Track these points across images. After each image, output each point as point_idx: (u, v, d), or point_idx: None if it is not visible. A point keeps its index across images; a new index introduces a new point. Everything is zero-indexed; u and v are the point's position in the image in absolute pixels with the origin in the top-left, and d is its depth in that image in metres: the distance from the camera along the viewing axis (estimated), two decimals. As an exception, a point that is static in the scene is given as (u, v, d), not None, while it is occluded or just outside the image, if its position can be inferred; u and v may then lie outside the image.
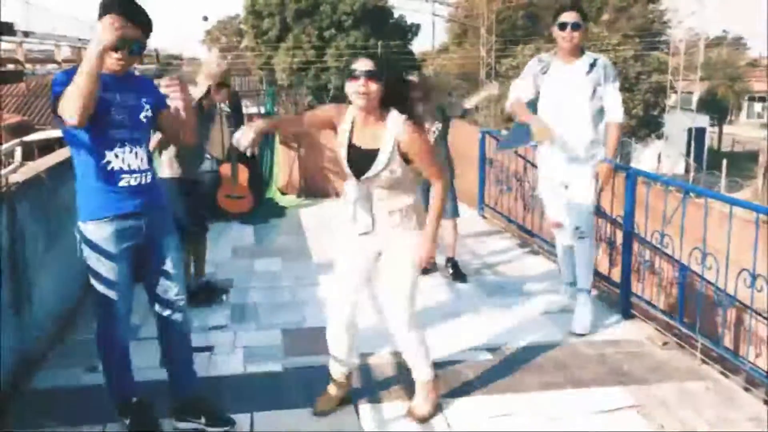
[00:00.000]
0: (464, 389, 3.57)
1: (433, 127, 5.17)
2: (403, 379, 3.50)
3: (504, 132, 7.59)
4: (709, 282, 4.02)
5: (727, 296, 3.92)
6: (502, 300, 4.92)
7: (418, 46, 42.19)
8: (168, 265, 3.05)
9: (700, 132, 32.31)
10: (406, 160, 2.96)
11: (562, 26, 4.10)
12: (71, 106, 2.58)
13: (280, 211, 7.92)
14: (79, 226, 2.89)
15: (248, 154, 2.92)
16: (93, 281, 2.92)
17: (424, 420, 3.24)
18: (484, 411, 3.36)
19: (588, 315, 4.29)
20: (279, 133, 3.19)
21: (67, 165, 3.24)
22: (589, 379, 3.70)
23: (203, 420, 3.13)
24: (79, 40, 9.30)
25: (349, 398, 3.41)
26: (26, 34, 7.88)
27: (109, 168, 2.83)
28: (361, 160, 2.98)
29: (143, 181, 2.93)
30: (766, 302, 3.75)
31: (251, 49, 31.91)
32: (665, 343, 4.13)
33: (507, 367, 3.83)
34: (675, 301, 4.53)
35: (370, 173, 2.96)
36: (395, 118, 2.93)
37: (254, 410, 3.30)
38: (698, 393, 3.55)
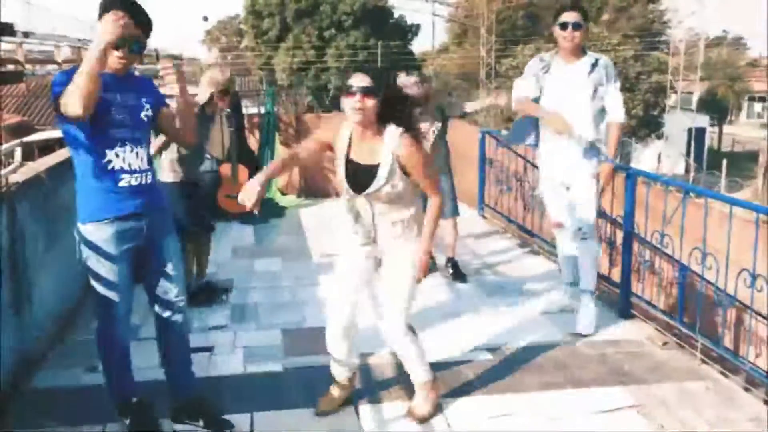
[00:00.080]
0: (464, 389, 3.57)
1: (433, 127, 5.17)
2: (403, 379, 3.50)
3: (504, 132, 7.58)
4: (709, 282, 4.02)
5: (727, 296, 3.92)
6: (502, 300, 4.92)
7: (418, 46, 42.20)
8: (168, 267, 3.05)
9: (700, 132, 32.32)
10: (405, 173, 2.97)
11: (563, 26, 4.09)
12: (75, 99, 2.58)
13: (280, 211, 7.92)
14: (78, 228, 2.88)
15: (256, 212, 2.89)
16: (93, 282, 2.92)
17: (424, 420, 3.24)
18: (484, 411, 3.36)
19: (592, 316, 4.28)
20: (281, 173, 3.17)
21: (67, 165, 3.25)
22: (589, 379, 3.70)
23: (201, 422, 3.12)
24: (79, 40, 9.32)
25: (350, 398, 3.41)
26: (26, 34, 7.89)
27: (109, 167, 2.83)
28: (360, 176, 2.97)
29: (143, 181, 2.93)
30: (766, 302, 3.74)
31: (251, 49, 31.92)
32: (665, 343, 4.13)
33: (507, 367, 3.83)
34: (675, 301, 4.53)
35: (371, 189, 2.96)
36: (392, 133, 2.93)
37: (254, 410, 3.30)
38: (698, 393, 3.55)
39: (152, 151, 4.30)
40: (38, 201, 3.99)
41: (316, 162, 3.16)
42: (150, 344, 3.19)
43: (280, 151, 8.59)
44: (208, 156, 5.07)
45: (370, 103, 2.84)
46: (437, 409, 3.33)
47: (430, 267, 5.40)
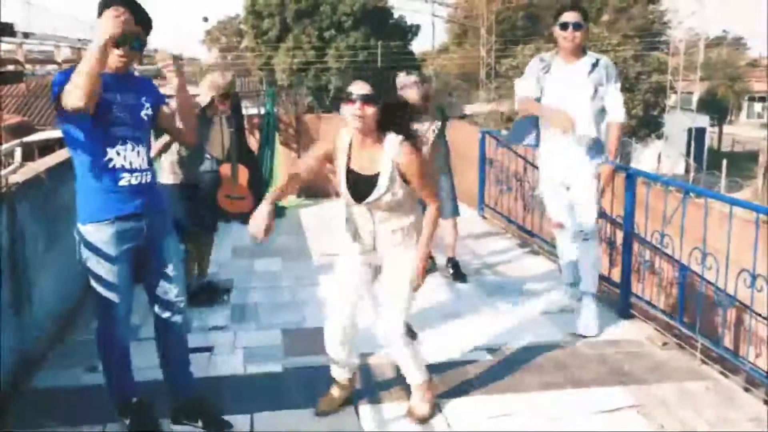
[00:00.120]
0: (464, 389, 3.57)
1: (433, 126, 5.17)
2: (403, 379, 3.49)
3: (504, 132, 7.58)
4: (709, 282, 4.02)
5: (727, 296, 3.92)
6: (502, 300, 4.92)
7: (418, 46, 42.22)
8: (168, 267, 3.05)
9: (700, 132, 32.33)
10: (405, 180, 2.98)
11: (564, 26, 4.09)
12: (76, 92, 2.57)
13: (280, 212, 7.92)
14: (78, 228, 2.88)
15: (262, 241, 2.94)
16: (93, 283, 2.92)
17: (424, 420, 3.25)
18: (484, 411, 3.36)
19: (594, 317, 4.27)
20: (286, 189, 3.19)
21: (67, 165, 3.25)
22: (589, 379, 3.70)
23: (200, 423, 3.12)
24: (79, 40, 9.31)
25: (350, 399, 3.41)
26: (26, 35, 7.89)
27: (110, 166, 2.83)
28: (361, 184, 2.98)
29: (144, 181, 2.93)
30: (766, 302, 3.74)
31: (251, 50, 31.93)
32: (665, 344, 4.13)
33: (507, 367, 3.83)
34: (675, 301, 4.53)
35: (371, 198, 2.97)
36: (392, 140, 2.94)
37: (254, 411, 3.30)
38: (698, 393, 3.55)
39: (153, 153, 4.31)
40: (38, 201, 3.99)
41: (317, 176, 3.16)
42: (150, 344, 3.19)
43: (281, 152, 8.61)
44: (207, 156, 5.07)
45: (370, 110, 2.86)
46: (435, 408, 3.33)
47: (430, 267, 5.40)
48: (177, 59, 2.93)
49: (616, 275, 4.85)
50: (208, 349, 4.04)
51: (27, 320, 3.70)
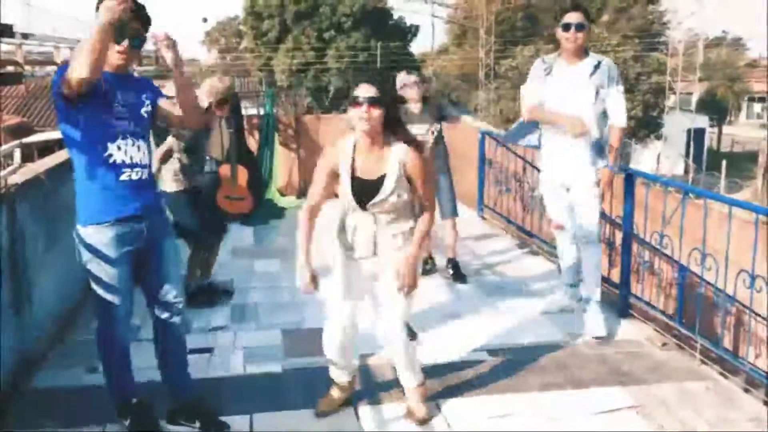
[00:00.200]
0: (464, 389, 3.57)
1: (432, 128, 5.18)
2: (402, 379, 3.50)
3: (503, 132, 7.59)
4: (708, 283, 4.02)
5: (727, 297, 3.92)
6: (502, 300, 4.92)
7: (418, 47, 42.27)
8: (167, 268, 3.05)
9: (700, 133, 32.36)
10: (409, 182, 2.99)
11: (566, 27, 4.09)
12: (80, 61, 2.56)
13: (279, 212, 7.92)
14: (78, 230, 2.87)
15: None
16: (93, 285, 2.91)
17: (424, 421, 3.25)
18: (484, 411, 3.36)
19: (600, 318, 4.26)
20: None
21: (66, 166, 3.25)
22: (589, 379, 3.70)
23: (198, 424, 3.12)
24: (79, 41, 9.32)
25: (350, 399, 3.41)
26: (25, 36, 7.90)
27: (111, 161, 2.82)
28: (367, 188, 2.99)
29: (144, 176, 2.92)
30: (765, 303, 3.75)
31: (250, 51, 31.93)
32: (664, 344, 4.13)
33: (507, 367, 3.83)
34: (674, 301, 4.53)
35: (377, 199, 2.97)
36: (400, 145, 2.97)
37: (254, 411, 3.30)
38: (698, 393, 3.55)
39: (154, 164, 4.34)
40: (38, 201, 3.99)
41: (331, 186, 3.15)
42: (150, 345, 3.19)
43: (280, 153, 8.61)
44: (207, 157, 5.08)
45: (377, 113, 2.88)
46: (434, 409, 3.33)
47: (430, 268, 5.42)
48: (171, 40, 2.89)
49: (615, 276, 4.85)
50: (208, 349, 4.04)
51: (27, 320, 3.70)
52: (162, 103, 3.03)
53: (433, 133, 5.17)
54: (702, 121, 33.50)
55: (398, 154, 2.96)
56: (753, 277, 3.63)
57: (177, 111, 3.02)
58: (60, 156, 4.52)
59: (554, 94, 4.18)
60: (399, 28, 31.04)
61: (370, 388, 3.58)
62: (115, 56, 2.79)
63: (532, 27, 33.15)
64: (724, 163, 25.21)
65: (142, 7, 2.83)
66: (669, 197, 4.38)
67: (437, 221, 5.41)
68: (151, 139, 3.39)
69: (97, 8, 2.66)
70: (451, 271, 5.39)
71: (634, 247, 4.72)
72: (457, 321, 4.53)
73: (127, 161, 2.86)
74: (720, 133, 39.42)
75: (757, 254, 3.60)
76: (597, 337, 4.18)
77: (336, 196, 3.12)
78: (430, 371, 3.59)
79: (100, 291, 2.90)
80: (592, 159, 4.17)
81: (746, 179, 20.96)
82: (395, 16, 31.21)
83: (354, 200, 3.01)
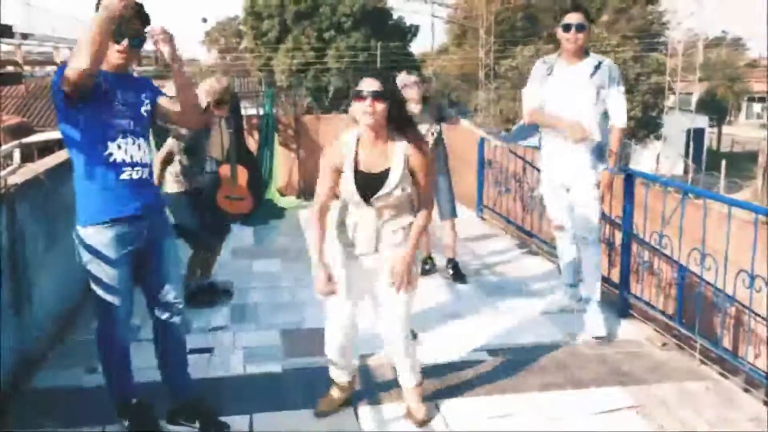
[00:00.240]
0: (464, 389, 3.57)
1: (432, 129, 5.18)
2: (402, 379, 3.50)
3: (503, 133, 7.60)
4: (708, 283, 4.03)
5: (726, 297, 3.92)
6: (501, 300, 4.92)
7: (418, 47, 42.30)
8: (167, 268, 3.05)
9: (699, 133, 32.35)
10: (412, 176, 2.99)
11: (567, 28, 4.08)
12: (81, 52, 2.55)
13: (279, 213, 7.92)
14: (77, 231, 2.86)
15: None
16: (93, 286, 2.91)
17: (424, 423, 3.24)
18: (484, 411, 3.36)
19: (600, 318, 4.26)
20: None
21: (66, 166, 3.25)
22: (589, 379, 3.70)
23: (197, 424, 3.12)
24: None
25: (349, 400, 3.41)
26: (25, 36, 7.89)
27: (111, 160, 2.82)
28: (370, 182, 2.98)
29: (144, 176, 2.92)
30: (765, 303, 3.75)
31: (250, 51, 31.93)
32: (664, 344, 4.14)
33: (507, 367, 3.83)
34: (674, 301, 4.54)
35: (382, 192, 2.97)
36: (403, 140, 2.98)
37: (253, 411, 3.30)
38: (698, 393, 3.55)
39: (156, 166, 4.34)
40: (38, 201, 3.99)
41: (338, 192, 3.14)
42: (150, 345, 3.19)
43: (280, 153, 8.61)
44: (207, 157, 5.08)
45: (381, 106, 2.87)
46: (433, 410, 3.34)
47: (430, 268, 5.42)
48: (168, 33, 2.87)
49: (615, 276, 4.86)
50: (208, 349, 4.04)
51: (27, 320, 3.70)
52: (161, 100, 3.03)
53: (432, 134, 5.17)
54: (701, 121, 33.50)
55: (403, 147, 2.96)
56: (752, 277, 3.63)
57: (176, 108, 3.02)
58: (60, 156, 4.52)
59: (555, 94, 4.18)
60: (399, 28, 31.05)
61: (370, 388, 3.58)
62: (114, 56, 2.79)
63: (532, 27, 33.17)
64: (723, 163, 25.20)
65: (141, 6, 2.82)
66: (668, 197, 4.39)
67: (437, 222, 5.44)
68: (151, 138, 3.39)
69: (97, 8, 2.66)
70: (450, 272, 5.39)
71: (634, 247, 4.72)
72: (457, 321, 4.53)
73: (128, 160, 2.86)
74: (719, 133, 39.43)
75: (756, 254, 3.60)
76: (597, 337, 4.18)
77: (337, 197, 3.12)
78: (430, 371, 3.59)
79: (100, 292, 2.90)
80: (593, 161, 4.16)
81: (746, 179, 20.95)
82: (395, 16, 31.24)
83: (358, 194, 2.99)
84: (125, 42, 2.78)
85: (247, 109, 9.75)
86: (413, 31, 31.76)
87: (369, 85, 2.87)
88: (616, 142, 4.17)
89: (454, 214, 5.44)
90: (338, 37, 28.87)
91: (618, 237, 4.86)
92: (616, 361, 3.91)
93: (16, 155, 5.21)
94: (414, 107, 5.13)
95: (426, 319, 4.34)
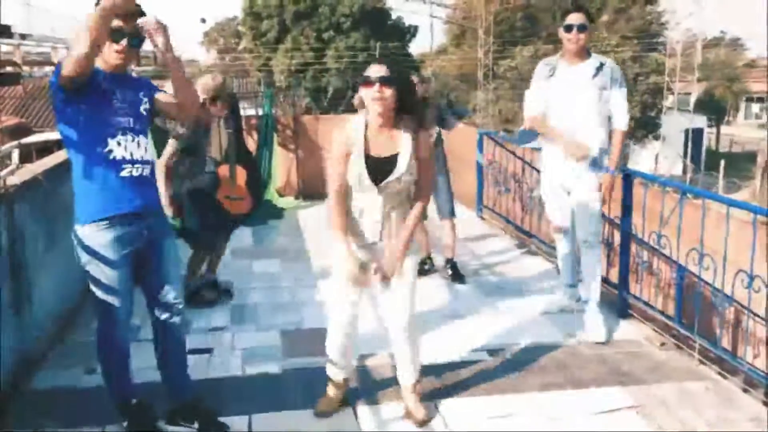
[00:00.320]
0: (464, 390, 3.57)
1: (432, 129, 5.19)
2: (402, 379, 3.50)
3: (502, 134, 7.60)
4: (706, 283, 4.03)
5: (725, 297, 3.93)
6: (501, 300, 4.92)
7: (417, 47, 42.29)
8: (167, 268, 3.05)
9: (698, 133, 32.36)
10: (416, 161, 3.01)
11: (568, 28, 4.09)
12: (80, 42, 2.54)
13: (278, 213, 7.92)
14: (76, 231, 2.85)
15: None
16: (93, 287, 2.90)
17: (424, 423, 3.24)
18: (484, 411, 3.37)
19: (601, 322, 4.25)
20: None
21: (65, 167, 3.25)
22: (588, 379, 3.71)
23: (197, 424, 3.12)
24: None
25: (349, 400, 3.41)
26: (23, 36, 7.88)
27: (111, 157, 2.82)
28: (380, 166, 2.97)
29: (144, 173, 2.92)
30: (764, 303, 3.75)
31: (249, 51, 31.89)
32: (663, 344, 4.14)
33: (507, 367, 3.83)
34: (673, 301, 4.54)
35: (392, 177, 2.97)
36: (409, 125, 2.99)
37: (253, 411, 3.30)
38: (698, 393, 3.55)
39: (160, 171, 4.34)
40: (38, 202, 3.99)
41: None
42: (150, 345, 3.19)
43: (279, 153, 8.61)
44: (207, 157, 5.08)
45: (389, 92, 2.87)
46: (432, 410, 3.34)
47: (429, 268, 5.42)
48: (161, 24, 2.84)
49: (614, 276, 4.86)
50: (208, 350, 4.04)
51: (27, 320, 3.70)
52: (159, 96, 3.03)
53: (432, 135, 5.17)
54: (700, 121, 33.51)
55: (409, 133, 2.97)
56: (751, 277, 3.63)
57: (174, 100, 3.01)
58: (59, 156, 4.52)
59: (557, 95, 4.18)
60: (398, 29, 31.02)
61: (370, 388, 3.58)
62: (113, 56, 2.79)
63: (531, 27, 33.15)
64: (722, 163, 25.24)
65: (140, 6, 2.82)
66: (667, 197, 4.39)
67: (436, 222, 5.44)
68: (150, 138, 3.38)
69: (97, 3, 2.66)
70: (450, 272, 5.39)
71: (633, 247, 4.73)
72: (457, 321, 4.53)
73: (128, 157, 2.86)
74: (718, 133, 39.44)
75: (755, 254, 3.61)
76: (597, 343, 4.18)
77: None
78: (430, 371, 3.60)
79: (99, 293, 2.89)
80: (594, 164, 4.16)
81: (744, 179, 21.00)
82: (394, 17, 31.20)
83: (369, 178, 2.98)
84: (124, 42, 2.78)
85: (246, 110, 9.74)
86: (412, 31, 31.74)
87: (377, 71, 2.87)
88: (618, 145, 4.16)
89: (453, 214, 5.45)
90: (337, 38, 28.85)
91: (617, 237, 4.86)
92: (616, 361, 3.91)
93: (15, 156, 5.20)
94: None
95: (426, 320, 4.34)
